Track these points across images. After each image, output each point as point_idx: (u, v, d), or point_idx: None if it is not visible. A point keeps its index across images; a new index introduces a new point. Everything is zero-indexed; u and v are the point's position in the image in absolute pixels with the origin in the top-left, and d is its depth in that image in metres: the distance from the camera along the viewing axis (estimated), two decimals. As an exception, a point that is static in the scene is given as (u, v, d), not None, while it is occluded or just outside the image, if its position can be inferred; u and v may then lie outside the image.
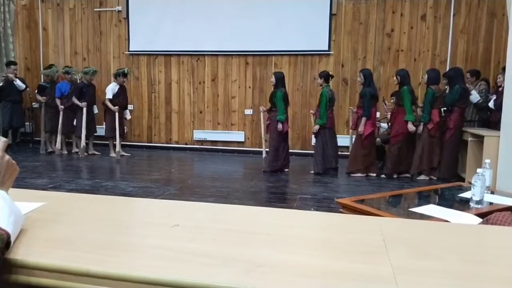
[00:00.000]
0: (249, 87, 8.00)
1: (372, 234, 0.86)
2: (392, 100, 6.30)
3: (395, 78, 6.14)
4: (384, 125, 6.47)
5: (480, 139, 5.30)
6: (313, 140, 6.57)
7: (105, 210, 1.02)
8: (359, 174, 6.05)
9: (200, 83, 8.20)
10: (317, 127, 6.04)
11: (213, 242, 0.80)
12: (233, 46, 7.87)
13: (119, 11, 8.29)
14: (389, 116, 6.35)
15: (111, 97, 7.18)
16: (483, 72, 6.79)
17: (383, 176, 6.03)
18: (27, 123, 8.28)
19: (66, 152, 7.52)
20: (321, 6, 7.51)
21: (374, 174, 6.07)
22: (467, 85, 6.10)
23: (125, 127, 7.57)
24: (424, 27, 7.35)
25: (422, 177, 5.89)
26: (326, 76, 6.16)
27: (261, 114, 6.57)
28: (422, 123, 5.84)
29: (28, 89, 7.85)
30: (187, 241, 0.80)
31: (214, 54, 8.04)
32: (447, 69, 6.87)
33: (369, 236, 0.85)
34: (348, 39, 7.59)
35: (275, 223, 0.95)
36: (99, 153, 7.45)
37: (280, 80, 6.20)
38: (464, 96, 5.80)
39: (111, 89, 7.21)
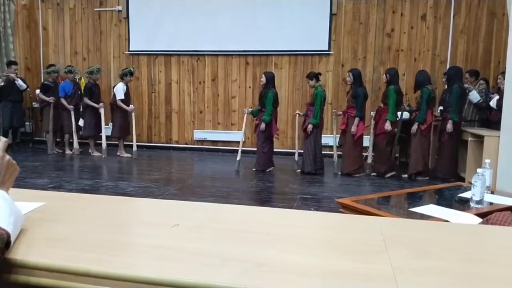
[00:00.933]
0: (249, 87, 8.00)
1: (372, 234, 0.86)
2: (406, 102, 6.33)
3: (384, 76, 6.13)
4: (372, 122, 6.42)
5: (480, 139, 5.30)
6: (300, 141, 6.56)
7: (105, 210, 1.02)
8: (355, 174, 6.05)
9: (200, 83, 8.20)
10: (310, 126, 6.05)
11: (213, 242, 0.80)
12: (233, 46, 7.88)
13: (119, 11, 8.29)
14: (373, 114, 6.32)
15: (123, 97, 7.17)
16: (483, 72, 6.79)
17: (373, 174, 6.06)
18: (27, 123, 8.28)
19: (71, 152, 7.50)
20: (321, 6, 7.51)
21: (365, 174, 6.09)
22: (466, 85, 6.10)
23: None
24: (424, 27, 7.35)
25: (419, 177, 5.89)
26: (315, 76, 6.17)
27: (245, 116, 6.61)
28: (416, 123, 5.83)
29: (28, 89, 7.85)
30: (187, 241, 0.80)
31: (214, 54, 8.04)
32: (447, 69, 6.87)
33: (369, 236, 0.85)
34: (348, 39, 7.59)
35: (275, 223, 0.95)
36: (99, 153, 7.44)
37: (270, 80, 6.23)
38: (462, 96, 5.80)
39: (122, 89, 7.17)
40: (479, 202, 2.72)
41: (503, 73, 5.16)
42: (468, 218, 2.40)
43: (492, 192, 3.17)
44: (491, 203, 2.86)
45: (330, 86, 7.64)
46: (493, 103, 5.77)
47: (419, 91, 5.92)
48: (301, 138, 6.56)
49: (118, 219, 0.97)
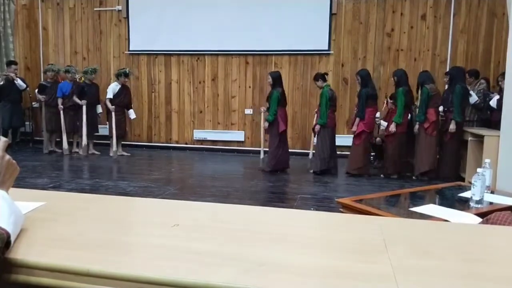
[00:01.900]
0: (249, 87, 8.00)
1: (372, 234, 0.86)
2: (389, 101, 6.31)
3: (392, 78, 6.14)
4: (384, 123, 6.48)
5: (480, 138, 5.30)
6: (314, 140, 6.57)
7: (105, 209, 1.02)
8: (357, 174, 6.05)
9: (200, 82, 8.20)
10: (318, 127, 6.03)
11: (213, 241, 0.80)
12: (233, 45, 7.88)
13: (119, 10, 8.29)
14: (384, 115, 6.35)
15: (111, 96, 7.20)
16: (483, 72, 6.79)
17: (382, 176, 6.03)
18: (27, 123, 8.28)
19: (68, 152, 7.50)
20: (321, 5, 7.51)
21: (368, 174, 6.07)
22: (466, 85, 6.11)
23: (126, 127, 7.59)
24: (424, 27, 7.35)
25: (426, 177, 5.88)
26: (321, 77, 6.17)
27: (262, 114, 6.57)
28: (418, 123, 5.83)
29: (28, 88, 7.85)
30: (187, 240, 0.80)
31: (214, 54, 8.04)
32: (447, 69, 6.88)
33: (369, 235, 0.85)
34: (348, 39, 7.59)
35: (275, 222, 0.95)
36: (98, 153, 7.45)
37: (277, 79, 6.20)
38: (464, 96, 5.79)
39: (112, 89, 7.22)
40: (479, 201, 2.72)
41: (503, 74, 5.16)
42: (468, 218, 2.40)
43: (492, 192, 3.17)
44: (491, 203, 2.86)
45: (331, 86, 7.62)
46: (493, 102, 5.77)
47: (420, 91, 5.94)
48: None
49: (118, 219, 0.97)
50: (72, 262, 0.68)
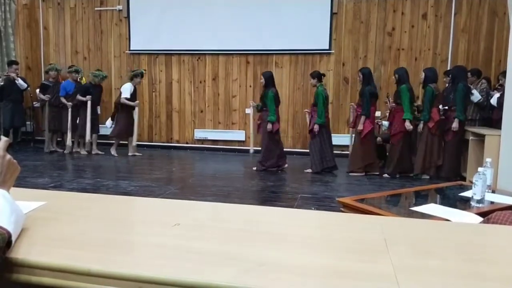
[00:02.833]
0: (250, 86, 8.00)
1: (373, 233, 0.86)
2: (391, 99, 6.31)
3: (393, 76, 6.14)
4: (385, 123, 6.47)
5: (481, 138, 5.29)
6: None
7: (106, 209, 1.03)
8: (359, 173, 6.05)
9: (200, 82, 8.20)
10: (317, 126, 6.04)
11: (214, 241, 0.80)
12: (234, 45, 7.88)
13: (119, 10, 8.29)
14: (387, 115, 6.34)
15: (128, 96, 7.17)
16: (484, 71, 6.78)
17: (385, 175, 6.02)
18: (28, 123, 8.29)
19: (71, 150, 7.51)
20: (322, 5, 7.50)
21: (376, 173, 6.07)
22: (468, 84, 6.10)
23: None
24: (425, 26, 7.35)
25: (425, 176, 5.88)
26: (318, 76, 6.18)
27: (251, 109, 6.59)
28: (422, 122, 5.83)
29: (29, 88, 7.86)
30: (188, 240, 0.80)
31: (215, 53, 8.04)
32: (448, 68, 6.86)
33: (370, 235, 0.85)
34: (349, 38, 7.59)
35: (276, 222, 0.95)
36: (102, 152, 7.46)
37: (269, 79, 6.22)
38: (467, 94, 5.79)
39: (129, 89, 7.18)
40: (480, 201, 2.72)
41: (504, 72, 5.15)
42: (469, 217, 2.40)
43: (493, 191, 3.17)
44: (492, 202, 2.86)
45: (331, 85, 7.63)
46: (493, 100, 5.77)
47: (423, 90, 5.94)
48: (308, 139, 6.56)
49: (119, 218, 0.97)
50: (73, 262, 0.68)
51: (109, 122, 7.41)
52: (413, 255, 0.75)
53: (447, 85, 6.03)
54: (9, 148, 0.85)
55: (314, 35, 7.57)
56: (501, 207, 2.70)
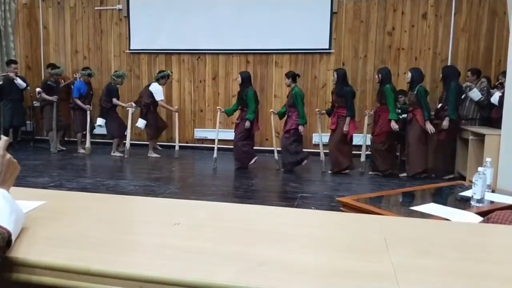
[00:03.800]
0: (250, 86, 7.99)
1: (373, 233, 0.86)
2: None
3: (376, 76, 6.13)
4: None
5: (481, 137, 5.29)
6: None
7: (106, 208, 1.03)
8: (344, 172, 6.05)
9: (200, 81, 8.20)
10: (301, 127, 6.05)
11: (214, 240, 0.80)
12: (234, 44, 7.87)
13: (119, 9, 8.28)
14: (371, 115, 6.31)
15: (163, 98, 7.27)
16: (484, 70, 6.77)
17: (370, 172, 6.07)
18: (28, 122, 8.28)
19: (84, 151, 7.51)
20: (322, 4, 7.50)
21: (361, 172, 6.07)
22: (468, 83, 6.10)
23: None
24: (425, 26, 7.34)
25: (418, 175, 5.88)
26: (293, 76, 6.21)
27: (218, 113, 6.71)
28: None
29: (29, 87, 7.86)
30: (188, 239, 0.80)
31: (215, 53, 8.04)
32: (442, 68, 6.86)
33: (370, 234, 0.85)
34: (349, 38, 7.58)
35: (276, 221, 0.95)
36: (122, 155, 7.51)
37: (246, 79, 6.27)
38: (459, 93, 5.79)
39: (161, 90, 7.21)
40: (480, 200, 2.72)
41: (504, 72, 5.15)
42: (469, 217, 2.40)
43: (493, 191, 3.17)
44: (492, 202, 2.86)
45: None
46: (494, 99, 5.76)
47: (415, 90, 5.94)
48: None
49: (119, 218, 0.97)
50: (73, 261, 0.68)
51: (141, 123, 7.36)
52: (412, 255, 0.75)
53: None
54: (9, 148, 0.85)
55: (314, 34, 7.56)
56: (501, 206, 2.70)
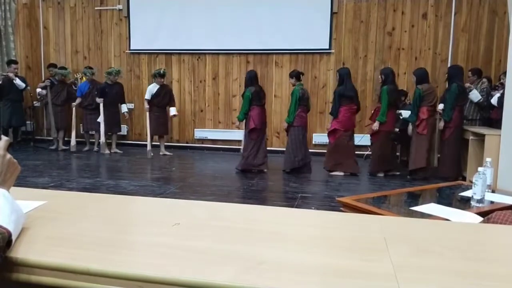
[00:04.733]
0: (250, 86, 7.99)
1: (373, 233, 0.86)
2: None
3: (379, 76, 6.12)
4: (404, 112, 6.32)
5: (481, 137, 5.30)
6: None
7: (106, 208, 1.03)
8: (334, 172, 6.04)
9: (201, 81, 8.20)
10: (285, 125, 6.08)
11: (214, 240, 0.80)
12: (234, 44, 7.87)
13: (119, 9, 8.28)
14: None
15: (148, 98, 7.27)
16: (485, 70, 6.77)
17: (369, 173, 6.05)
18: (28, 122, 8.28)
19: (98, 149, 7.57)
20: (322, 4, 7.50)
21: (355, 173, 6.03)
22: (468, 83, 6.09)
23: (167, 126, 7.67)
24: (425, 26, 7.34)
25: (415, 176, 5.88)
26: (297, 75, 6.20)
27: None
28: (410, 123, 5.85)
29: (28, 87, 7.86)
30: (188, 239, 0.80)
31: (215, 53, 8.04)
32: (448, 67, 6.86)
33: (370, 234, 0.85)
34: (349, 38, 7.58)
35: (276, 221, 0.95)
36: (121, 151, 7.59)
37: (247, 79, 6.21)
38: (461, 94, 5.79)
39: (149, 90, 7.27)
40: (480, 201, 2.72)
41: (506, 73, 5.15)
42: (469, 217, 2.40)
43: (493, 191, 3.17)
44: (492, 202, 2.86)
45: (331, 85, 7.62)
46: (494, 100, 5.76)
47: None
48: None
49: (119, 217, 0.97)
50: (73, 261, 0.68)
51: (173, 110, 7.46)
52: (413, 255, 0.75)
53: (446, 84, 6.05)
54: (9, 148, 0.85)
55: (314, 34, 7.57)
56: (501, 206, 2.70)
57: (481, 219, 2.20)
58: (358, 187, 5.37)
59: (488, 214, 1.77)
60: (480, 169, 2.74)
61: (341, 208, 2.83)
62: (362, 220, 1.01)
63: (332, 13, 7.51)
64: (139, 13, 8.18)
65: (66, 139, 7.87)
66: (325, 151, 6.41)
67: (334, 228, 0.91)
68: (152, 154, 7.23)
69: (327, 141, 6.41)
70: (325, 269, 0.68)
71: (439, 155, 6.08)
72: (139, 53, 8.33)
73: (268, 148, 6.57)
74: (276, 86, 7.88)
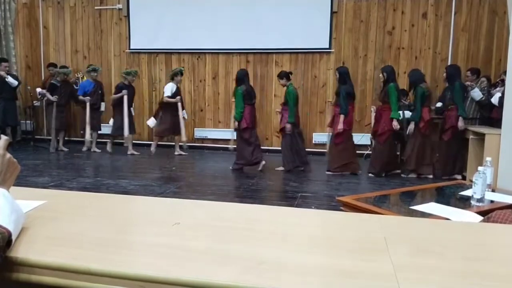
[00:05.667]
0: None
1: (373, 232, 0.86)
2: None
3: (381, 75, 6.10)
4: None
5: (481, 137, 5.30)
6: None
7: (106, 208, 1.03)
8: (336, 173, 6.03)
9: (200, 81, 8.20)
10: (289, 125, 6.02)
11: (214, 240, 0.80)
12: (234, 44, 7.87)
13: (119, 9, 8.28)
14: (373, 113, 6.30)
15: (170, 94, 7.08)
16: (484, 70, 6.78)
17: (370, 175, 5.99)
18: (28, 122, 8.27)
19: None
20: (322, 4, 7.50)
21: (356, 173, 6.03)
22: (468, 83, 6.10)
23: (180, 127, 7.40)
24: (425, 25, 7.34)
25: (412, 175, 5.88)
26: (286, 75, 6.18)
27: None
28: (412, 122, 5.83)
29: (28, 86, 7.84)
30: (188, 239, 0.80)
31: (215, 52, 8.03)
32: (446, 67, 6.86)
33: (370, 234, 0.85)
34: (349, 37, 7.58)
35: (276, 221, 0.95)
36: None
37: (238, 77, 6.17)
38: (463, 92, 5.80)
39: (170, 88, 7.11)
40: (480, 200, 2.72)
41: (505, 73, 5.14)
42: (469, 216, 2.40)
43: (493, 190, 3.16)
44: (492, 201, 2.86)
45: (331, 84, 7.62)
46: (494, 99, 5.76)
47: (413, 90, 5.95)
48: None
49: (119, 217, 0.97)
50: (73, 261, 0.68)
51: (152, 121, 7.32)
52: (413, 254, 0.75)
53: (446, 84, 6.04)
54: (9, 147, 0.84)
55: (314, 34, 7.56)
56: (501, 206, 2.70)
57: (481, 218, 2.20)
58: (358, 187, 5.37)
59: (488, 213, 1.77)
60: (480, 168, 2.74)
61: (341, 208, 2.83)
62: (362, 219, 1.01)
63: (332, 13, 7.50)
64: (139, 12, 8.18)
65: (74, 138, 7.86)
66: (325, 150, 6.41)
67: (334, 228, 0.91)
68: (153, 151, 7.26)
69: (326, 141, 6.41)
70: (325, 269, 0.68)
71: (437, 155, 6.07)
72: (139, 53, 8.33)
73: (268, 148, 6.57)
74: (276, 86, 7.86)
